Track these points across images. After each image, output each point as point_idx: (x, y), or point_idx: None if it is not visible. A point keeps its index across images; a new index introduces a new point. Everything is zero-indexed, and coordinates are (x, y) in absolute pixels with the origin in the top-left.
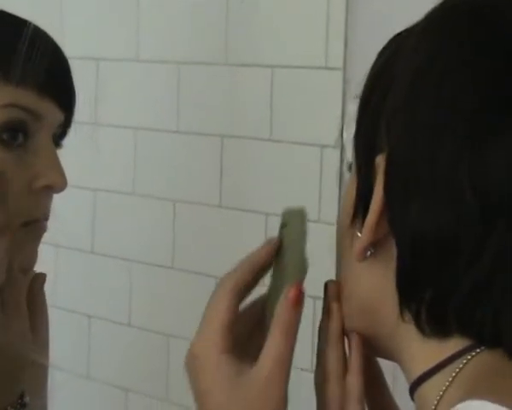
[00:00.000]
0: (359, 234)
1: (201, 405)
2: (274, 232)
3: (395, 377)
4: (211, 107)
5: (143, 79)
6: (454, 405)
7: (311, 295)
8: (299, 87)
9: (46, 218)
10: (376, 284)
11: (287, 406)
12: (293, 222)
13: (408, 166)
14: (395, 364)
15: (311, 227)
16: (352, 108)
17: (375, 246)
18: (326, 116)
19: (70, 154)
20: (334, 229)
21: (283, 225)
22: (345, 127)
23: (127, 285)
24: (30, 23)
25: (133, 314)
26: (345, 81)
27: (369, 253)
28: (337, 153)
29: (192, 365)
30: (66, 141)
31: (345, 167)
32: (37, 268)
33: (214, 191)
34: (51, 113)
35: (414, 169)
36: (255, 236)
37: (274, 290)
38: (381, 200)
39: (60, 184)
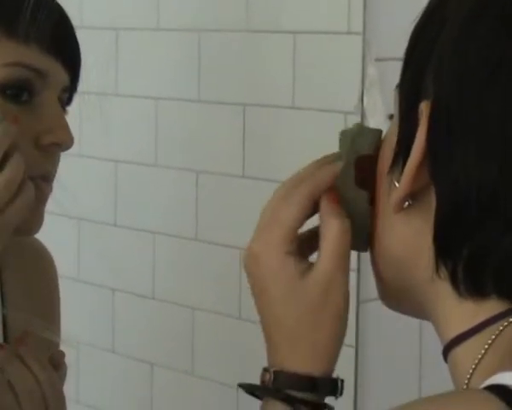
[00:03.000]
0: (397, 184)
1: (262, 303)
2: None
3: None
4: (232, 75)
5: (163, 48)
6: (490, 375)
7: None
8: (322, 53)
9: (51, 178)
10: (412, 237)
11: (348, 303)
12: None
13: (454, 114)
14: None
15: None
16: (372, 71)
17: (413, 197)
18: (349, 82)
19: (90, 125)
20: None
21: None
22: (365, 92)
23: (150, 258)
24: None
25: (157, 287)
26: (364, 44)
27: (406, 204)
28: (358, 119)
29: (253, 263)
30: (85, 112)
31: None
32: (60, 242)
33: (237, 161)
34: (56, 71)
35: (460, 118)
36: None
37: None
38: (423, 147)
39: (66, 141)
